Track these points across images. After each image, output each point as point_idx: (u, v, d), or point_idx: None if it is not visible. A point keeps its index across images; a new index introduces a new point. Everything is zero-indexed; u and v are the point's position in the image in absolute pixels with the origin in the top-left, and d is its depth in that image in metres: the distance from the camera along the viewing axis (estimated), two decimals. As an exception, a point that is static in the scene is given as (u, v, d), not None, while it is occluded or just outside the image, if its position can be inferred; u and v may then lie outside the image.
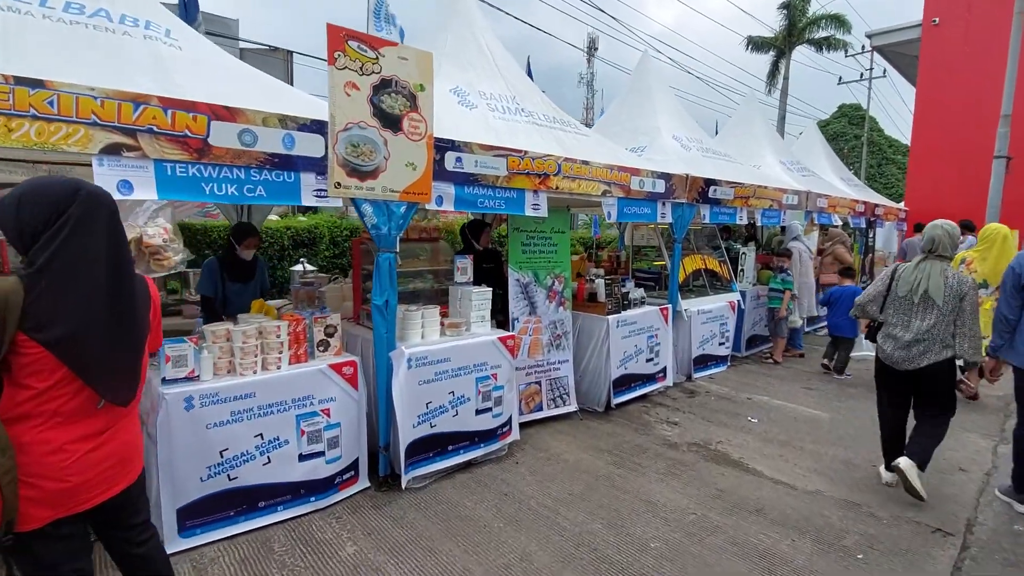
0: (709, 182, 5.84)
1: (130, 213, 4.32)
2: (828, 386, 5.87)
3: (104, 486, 1.62)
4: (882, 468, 3.74)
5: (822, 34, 28.11)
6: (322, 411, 3.19)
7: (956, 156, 12.07)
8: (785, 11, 28.43)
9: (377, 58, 3.14)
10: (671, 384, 5.63)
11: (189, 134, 2.56)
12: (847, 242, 8.53)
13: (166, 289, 5.22)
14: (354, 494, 3.34)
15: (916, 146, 13.26)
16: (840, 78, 30.30)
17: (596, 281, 4.95)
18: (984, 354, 3.51)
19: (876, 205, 10.94)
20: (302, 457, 3.10)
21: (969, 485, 3.69)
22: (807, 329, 7.95)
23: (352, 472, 3.36)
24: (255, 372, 2.96)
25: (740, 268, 7.11)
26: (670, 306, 5.59)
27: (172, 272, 4.32)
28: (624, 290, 5.22)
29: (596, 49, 38.12)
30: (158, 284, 4.34)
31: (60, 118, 2.25)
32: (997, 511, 3.38)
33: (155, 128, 2.46)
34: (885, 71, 28.83)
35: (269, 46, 11.50)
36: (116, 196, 2.28)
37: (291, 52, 11.20)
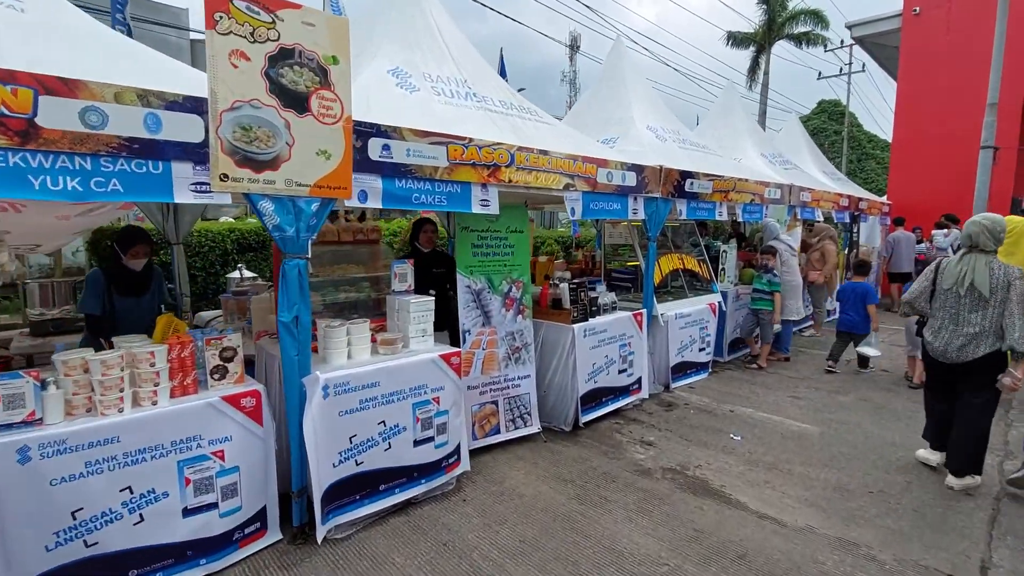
0: (685, 175, 5.35)
1: None
2: (816, 394, 5.42)
3: None
4: (923, 451, 3.86)
5: (801, 29, 28.00)
6: (214, 454, 2.62)
7: (939, 147, 11.80)
8: (764, 6, 28.27)
9: (274, 22, 2.58)
10: (647, 396, 5.13)
11: (6, 112, 1.98)
12: (835, 237, 8.12)
13: None
14: (260, 551, 2.78)
15: (898, 138, 12.98)
16: (820, 73, 30.25)
17: (560, 285, 4.42)
18: None
19: (860, 199, 10.58)
20: (187, 511, 2.53)
21: (978, 513, 3.23)
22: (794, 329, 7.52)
23: (257, 524, 2.79)
24: (121, 411, 2.39)
25: (721, 267, 6.65)
26: (644, 311, 5.09)
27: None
28: (593, 294, 4.71)
29: (578, 47, 37.76)
30: None
31: None
32: (1012, 546, 2.92)
33: (-50, 103, 1.88)
34: (864, 66, 28.89)
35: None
36: None
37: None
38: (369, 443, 3.01)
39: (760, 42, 29.03)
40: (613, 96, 6.49)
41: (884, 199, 12.68)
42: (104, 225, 5.88)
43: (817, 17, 27.34)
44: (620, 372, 4.82)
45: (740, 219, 6.46)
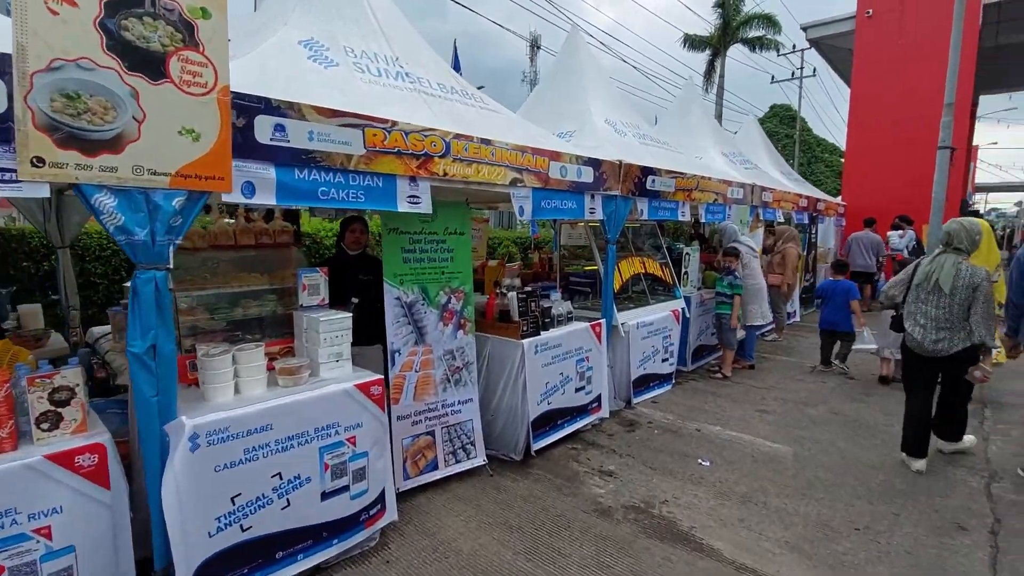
0: (647, 171, 4.91)
1: None
2: (785, 407, 5.07)
3: None
4: (905, 456, 3.84)
5: (755, 33, 28.49)
6: (37, 532, 1.95)
7: (892, 149, 11.90)
8: (720, 10, 28.64)
9: (110, -44, 1.94)
10: (607, 415, 4.65)
11: None
12: (797, 239, 7.90)
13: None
14: (104, 655, 2.12)
15: (852, 140, 13.07)
16: (773, 77, 30.92)
17: (508, 295, 3.88)
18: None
19: (818, 200, 10.51)
20: (-12, 617, 1.86)
21: (976, 552, 2.86)
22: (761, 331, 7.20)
23: (101, 620, 2.13)
24: None
25: (684, 270, 6.26)
26: (604, 321, 4.61)
27: None
28: (546, 304, 4.19)
29: (539, 47, 37.42)
30: None
31: None
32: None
33: None
34: (815, 70, 29.71)
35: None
36: None
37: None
38: (260, 502, 2.39)
39: (716, 45, 29.43)
40: (568, 88, 6.01)
41: (839, 200, 12.74)
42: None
43: (770, 21, 27.87)
44: (577, 390, 4.32)
45: (703, 219, 6.09)
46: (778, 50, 28.68)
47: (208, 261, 3.06)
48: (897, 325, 3.87)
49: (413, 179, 3.01)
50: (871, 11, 12.33)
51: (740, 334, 6.22)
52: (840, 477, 3.65)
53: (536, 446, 3.89)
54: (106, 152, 1.97)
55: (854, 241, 10.57)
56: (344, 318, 2.81)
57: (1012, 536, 2.99)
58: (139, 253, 2.09)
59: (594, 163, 4.32)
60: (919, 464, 3.75)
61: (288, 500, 2.47)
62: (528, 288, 4.06)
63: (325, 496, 2.61)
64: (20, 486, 1.93)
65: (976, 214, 14.83)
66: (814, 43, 14.71)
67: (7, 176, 1.81)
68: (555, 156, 3.94)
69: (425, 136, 3.01)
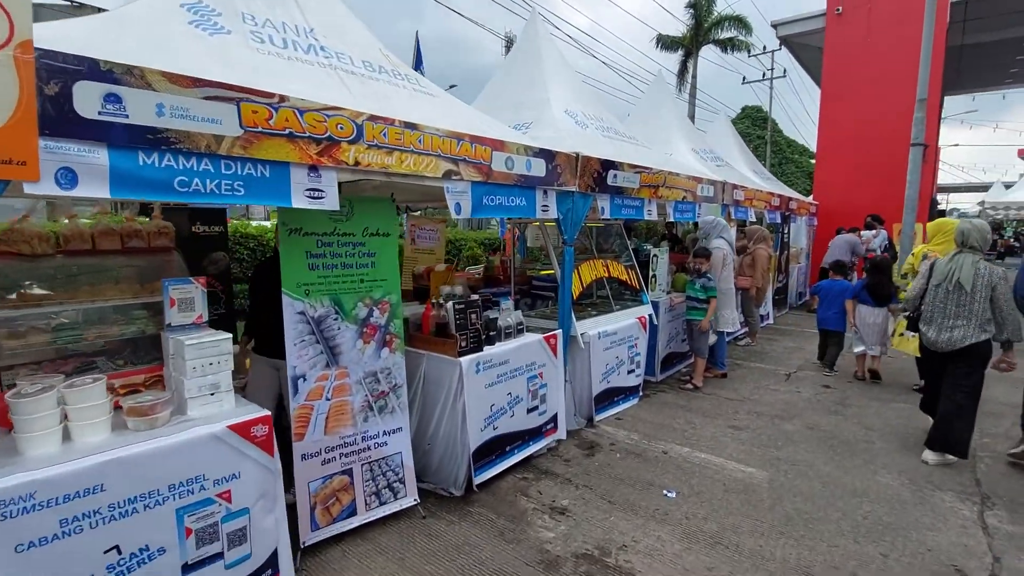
0: (607, 165, 4.45)
1: None
2: (758, 422, 4.66)
3: None
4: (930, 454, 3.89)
5: (727, 35, 28.55)
6: None
7: (863, 147, 11.75)
8: (692, 10, 28.64)
9: None
10: (564, 437, 4.17)
11: None
12: (769, 240, 7.57)
13: None
14: None
15: (823, 139, 12.91)
16: (744, 77, 31.12)
17: (446, 305, 3.36)
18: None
19: (790, 199, 10.26)
20: None
21: (978, 604, 2.46)
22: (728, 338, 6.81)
23: None
24: None
25: (652, 273, 5.82)
26: (560, 331, 4.12)
27: None
28: (492, 315, 3.69)
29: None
30: None
31: None
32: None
33: None
34: (785, 71, 29.99)
35: (74, 2, 8.98)
36: None
37: (101, 10, 8.73)
38: (87, 587, 1.82)
39: (688, 46, 29.43)
40: (527, 77, 5.53)
41: (811, 199, 12.57)
42: None
43: (741, 23, 27.96)
44: (530, 411, 3.82)
45: (671, 218, 5.67)
46: (749, 51, 28.83)
47: (60, 270, 2.47)
48: (913, 326, 4.11)
49: (314, 169, 2.47)
50: (840, 8, 12.17)
51: (713, 338, 5.81)
52: (821, 509, 3.23)
53: (479, 479, 3.38)
54: None
55: (835, 246, 10.38)
56: (221, 340, 2.25)
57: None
58: None
59: (546, 155, 3.84)
60: (931, 456, 3.85)
61: (131, 582, 1.91)
62: (470, 297, 3.55)
63: (188, 569, 2.05)
64: None
65: (942, 213, 14.90)
66: (784, 41, 14.56)
67: None
68: (499, 146, 3.44)
69: (329, 116, 2.48)
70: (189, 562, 2.05)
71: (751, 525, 3.07)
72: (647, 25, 29.92)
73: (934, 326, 3.79)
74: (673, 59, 29.96)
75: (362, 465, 2.97)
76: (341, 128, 2.53)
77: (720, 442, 4.23)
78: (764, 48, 29.22)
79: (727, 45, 28.69)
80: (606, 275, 5.06)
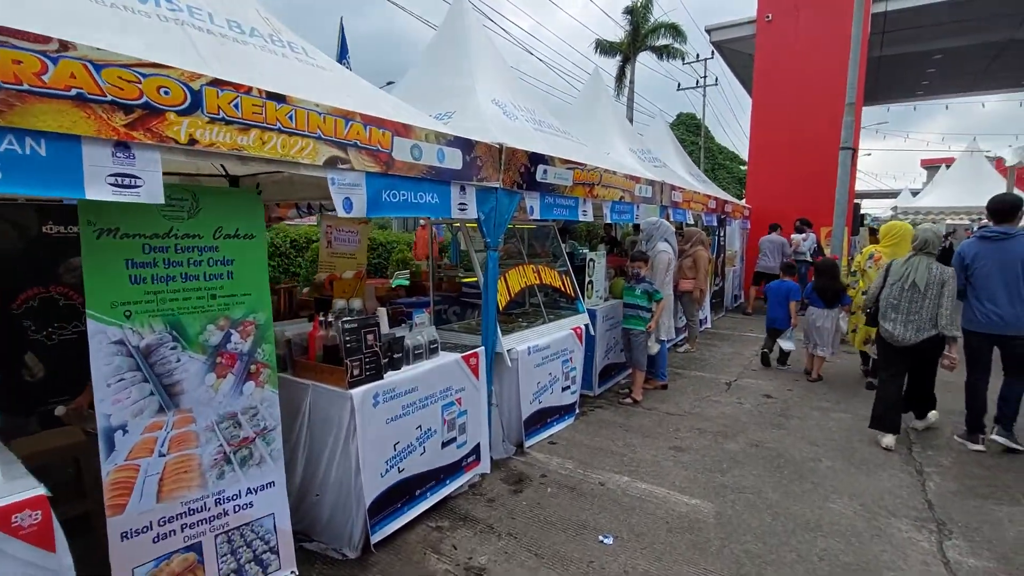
0: (536, 159, 3.95)
1: None
2: (701, 441, 4.31)
3: None
4: (880, 436, 4.25)
5: (663, 42, 29.15)
6: None
7: (793, 152, 11.97)
8: (630, 16, 29.04)
9: None
10: (488, 469, 3.63)
11: None
12: (706, 243, 7.36)
13: None
14: None
15: (754, 144, 13.10)
16: (679, 84, 31.94)
17: (336, 324, 2.73)
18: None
19: (726, 202, 10.24)
20: None
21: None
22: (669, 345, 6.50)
23: None
24: None
25: (588, 279, 5.39)
26: (483, 348, 3.58)
27: None
28: (401, 332, 3.09)
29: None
30: None
31: None
32: None
33: None
34: (717, 79, 31.08)
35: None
36: None
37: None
38: None
39: (626, 52, 29.81)
40: (451, 64, 4.95)
41: (743, 203, 12.72)
42: None
43: (676, 31, 28.59)
44: (446, 445, 3.25)
45: (608, 220, 5.27)
46: (683, 59, 29.59)
47: None
48: (872, 321, 4.34)
49: (123, 146, 1.80)
50: (770, 15, 12.38)
51: (654, 348, 5.44)
52: (774, 549, 2.85)
53: (378, 536, 2.77)
54: None
55: (765, 243, 10.45)
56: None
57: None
58: None
59: (463, 144, 3.28)
60: (889, 440, 4.18)
61: None
62: (369, 312, 2.93)
63: None
64: None
65: (863, 218, 15.58)
66: (717, 46, 14.75)
67: None
68: (402, 130, 2.85)
69: (146, 76, 1.81)
70: None
71: (699, 572, 2.63)
72: (588, 28, 30.10)
73: (891, 322, 4.08)
74: (612, 64, 30.30)
75: (216, 536, 2.29)
76: (166, 93, 1.87)
77: (662, 467, 3.81)
78: (697, 56, 30.15)
79: (663, 52, 29.29)
80: (537, 282, 4.56)
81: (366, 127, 2.63)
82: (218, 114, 2.02)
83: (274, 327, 2.83)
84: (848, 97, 7.76)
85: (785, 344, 6.47)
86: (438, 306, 5.36)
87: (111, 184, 1.77)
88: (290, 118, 2.29)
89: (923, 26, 12.67)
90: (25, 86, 1.57)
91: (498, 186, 3.63)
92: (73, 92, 1.66)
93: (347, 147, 2.55)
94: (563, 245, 5.87)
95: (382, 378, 2.79)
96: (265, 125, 2.19)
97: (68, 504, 2.45)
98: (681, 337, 7.68)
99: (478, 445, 3.53)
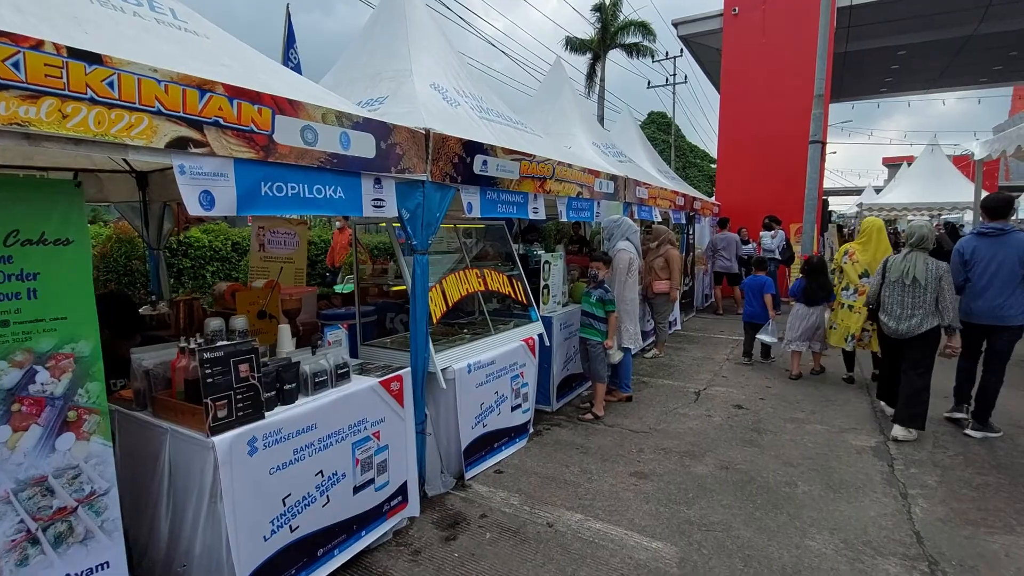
0: (473, 148, 3.44)
1: None
2: (666, 465, 3.86)
3: None
4: (884, 404, 4.76)
5: (632, 39, 28.99)
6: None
7: (761, 148, 11.74)
8: (599, 14, 28.80)
9: None
10: (417, 512, 3.09)
11: None
12: (675, 242, 6.96)
13: None
14: None
15: (723, 140, 12.85)
16: (649, 82, 31.86)
17: (200, 353, 2.15)
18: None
19: (695, 199, 9.89)
20: None
21: None
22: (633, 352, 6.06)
23: None
24: None
25: (544, 284, 4.90)
26: (409, 370, 3.04)
27: None
28: (290, 359, 2.53)
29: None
30: None
31: None
32: None
33: None
34: (686, 77, 31.07)
35: None
36: None
37: None
38: None
39: (596, 49, 29.57)
40: (387, 45, 4.42)
41: (713, 200, 12.45)
42: None
43: (645, 28, 28.49)
44: (359, 489, 2.71)
45: (564, 217, 4.78)
46: (653, 56, 29.50)
47: None
48: (873, 317, 4.52)
49: None
50: (736, 9, 12.13)
51: (617, 357, 4.98)
52: (746, 608, 2.40)
53: (263, 614, 2.22)
54: None
55: (718, 241, 10.19)
56: None
57: None
58: None
59: (377, 128, 2.75)
60: (907, 433, 4.23)
61: None
62: (246, 335, 2.37)
63: None
64: None
65: (830, 215, 15.55)
66: (685, 41, 14.48)
67: None
68: (287, 108, 2.30)
69: None
70: None
71: (656, 651, 2.16)
72: (560, 27, 29.77)
73: (893, 317, 4.23)
74: (583, 62, 30.05)
75: (11, 646, 1.71)
76: None
77: (621, 500, 3.34)
78: (667, 54, 30.09)
79: (632, 50, 29.17)
80: (482, 289, 4.05)
81: (232, 101, 2.08)
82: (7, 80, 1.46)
83: (136, 353, 2.27)
84: (817, 89, 7.46)
85: (766, 338, 6.42)
86: (379, 316, 4.80)
87: None
88: (110, 85, 1.72)
89: (888, 21, 12.60)
90: None
91: (425, 179, 3.11)
92: None
93: (203, 125, 1.99)
94: (518, 246, 5.38)
95: (263, 417, 2.24)
96: (67, 93, 1.63)
97: None
98: (649, 341, 7.27)
99: (404, 484, 3.00)
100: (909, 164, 17.46)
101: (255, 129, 2.18)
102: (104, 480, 1.90)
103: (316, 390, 2.54)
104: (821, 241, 10.47)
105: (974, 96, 25.45)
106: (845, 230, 16.67)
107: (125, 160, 4.35)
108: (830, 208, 16.52)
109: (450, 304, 3.63)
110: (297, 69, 8.28)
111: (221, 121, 2.04)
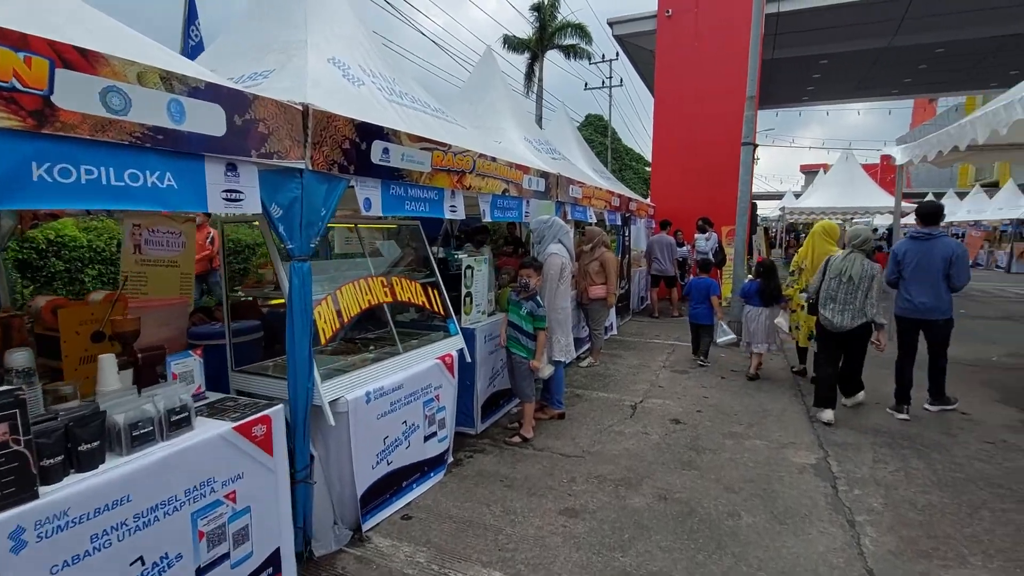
0: (369, 132, 2.86)
1: None
2: (599, 497, 3.43)
3: None
4: (820, 412, 4.70)
5: (569, 41, 29.05)
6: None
7: (694, 151, 11.75)
8: (537, 13, 28.64)
9: None
10: (296, 585, 2.48)
11: None
12: (609, 244, 6.62)
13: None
14: None
15: (657, 142, 12.81)
16: (586, 84, 32.09)
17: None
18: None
19: (630, 199, 9.69)
20: None
21: None
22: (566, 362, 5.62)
23: None
24: None
25: (466, 292, 4.37)
26: (281, 407, 2.42)
27: None
28: (83, 411, 1.86)
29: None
30: None
31: None
32: None
33: None
34: (622, 80, 31.53)
35: None
36: None
37: None
38: None
39: (534, 49, 29.40)
40: (280, 12, 3.75)
41: (649, 201, 12.38)
42: None
43: (582, 31, 28.62)
44: (206, 571, 2.06)
45: (488, 217, 4.28)
46: (590, 59, 29.71)
47: None
48: (812, 310, 4.77)
49: None
50: (670, 11, 12.10)
51: (547, 372, 4.52)
52: None
53: None
54: None
55: (654, 244, 10.07)
56: None
57: None
58: None
59: (228, 98, 2.11)
60: (829, 415, 4.62)
61: None
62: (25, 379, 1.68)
63: None
64: None
65: (756, 218, 16.01)
66: (620, 41, 14.39)
67: None
68: (78, 60, 1.64)
69: None
70: None
71: None
72: (501, 26, 29.32)
73: (830, 311, 4.50)
74: (521, 61, 29.80)
75: None
76: None
77: (547, 549, 2.86)
78: (603, 57, 30.40)
79: (570, 51, 29.24)
80: (390, 300, 3.46)
81: (-25, 41, 1.41)
82: None
83: None
84: (749, 90, 7.37)
85: (723, 339, 6.56)
86: (269, 332, 4.08)
87: None
88: None
89: (812, 29, 12.99)
90: None
91: (304, 167, 2.50)
92: None
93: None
94: (436, 250, 4.82)
95: (36, 496, 1.57)
96: None
97: None
98: (584, 349, 6.91)
99: (276, 552, 2.37)
100: (825, 171, 18.35)
101: (17, 86, 1.52)
102: None
103: (135, 447, 1.88)
104: (751, 244, 10.57)
105: (885, 108, 27.31)
106: (770, 232, 17.28)
107: None
108: (757, 211, 17.07)
109: (346, 320, 3.02)
110: (198, 48, 7.30)
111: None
